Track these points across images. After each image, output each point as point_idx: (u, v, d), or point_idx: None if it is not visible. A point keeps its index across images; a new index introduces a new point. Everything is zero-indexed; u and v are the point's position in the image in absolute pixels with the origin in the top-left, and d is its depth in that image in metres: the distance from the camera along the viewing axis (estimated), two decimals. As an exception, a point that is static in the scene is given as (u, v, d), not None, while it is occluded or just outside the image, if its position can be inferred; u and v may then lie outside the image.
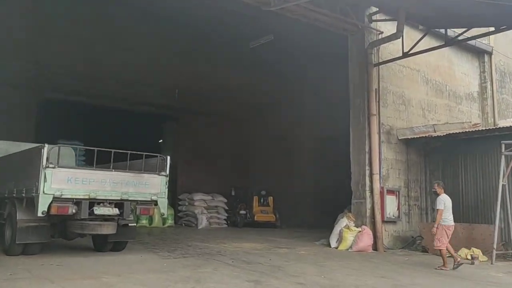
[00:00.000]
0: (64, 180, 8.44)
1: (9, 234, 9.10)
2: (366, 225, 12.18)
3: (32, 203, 8.48)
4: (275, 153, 21.47)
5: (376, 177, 12.38)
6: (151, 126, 22.80)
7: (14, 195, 9.21)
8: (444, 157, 13.31)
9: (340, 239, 12.24)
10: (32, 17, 15.72)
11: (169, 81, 19.17)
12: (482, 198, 12.24)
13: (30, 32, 15.97)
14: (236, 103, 20.96)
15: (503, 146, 10.83)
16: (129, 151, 9.36)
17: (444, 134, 12.82)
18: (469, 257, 10.76)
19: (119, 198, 9.05)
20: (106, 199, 8.92)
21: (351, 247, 11.91)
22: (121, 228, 9.27)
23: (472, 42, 14.61)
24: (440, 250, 9.58)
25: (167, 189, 9.71)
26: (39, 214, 8.18)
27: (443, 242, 9.51)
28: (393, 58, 13.04)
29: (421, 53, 12.74)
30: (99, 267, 8.09)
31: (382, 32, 13.05)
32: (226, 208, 19.81)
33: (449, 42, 12.68)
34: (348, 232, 12.12)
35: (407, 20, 12.13)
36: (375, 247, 11.97)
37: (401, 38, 12.24)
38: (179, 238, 13.82)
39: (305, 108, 21.52)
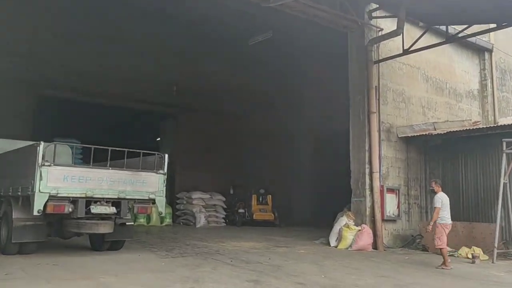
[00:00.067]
0: (60, 179, 8.32)
1: (5, 233, 8.98)
2: (365, 223, 12.10)
3: (28, 202, 8.36)
4: (274, 151, 21.37)
5: (376, 176, 12.29)
6: (149, 124, 22.71)
7: (10, 193, 9.10)
8: (444, 155, 13.23)
9: (339, 238, 12.15)
10: (28, 14, 15.58)
11: (167, 79, 19.05)
12: (482, 197, 12.16)
13: (26, 28, 15.84)
14: (235, 101, 20.84)
15: (504, 144, 10.73)
16: (126, 149, 9.23)
17: (445, 132, 12.72)
18: (469, 256, 10.70)
19: (116, 196, 8.94)
20: (103, 198, 8.79)
21: (350, 246, 11.83)
22: (118, 227, 9.17)
23: (472, 39, 14.52)
24: (440, 249, 9.51)
25: (165, 187, 9.60)
26: (35, 213, 8.06)
27: (443, 241, 9.47)
28: (393, 55, 12.93)
29: (421, 50, 12.64)
30: (96, 267, 7.98)
31: (382, 29, 12.96)
32: (225, 206, 19.70)
33: (450, 39, 12.57)
34: (347, 231, 12.02)
35: (408, 16, 12.03)
36: (375, 246, 11.89)
37: (401, 35, 12.14)
38: (177, 237, 13.71)
39: (304, 106, 21.42)
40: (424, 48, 12.65)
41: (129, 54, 17.73)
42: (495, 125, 12.78)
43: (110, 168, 9.08)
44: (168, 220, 18.20)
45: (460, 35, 12.64)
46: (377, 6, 12.79)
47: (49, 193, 8.17)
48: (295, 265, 8.97)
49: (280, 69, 19.33)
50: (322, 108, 19.70)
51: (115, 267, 8.07)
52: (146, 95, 19.07)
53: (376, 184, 12.26)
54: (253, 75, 19.62)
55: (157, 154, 9.85)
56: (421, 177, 13.57)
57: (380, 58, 12.94)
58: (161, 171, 9.53)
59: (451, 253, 10.91)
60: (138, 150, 9.54)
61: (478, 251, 10.78)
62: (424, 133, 13.20)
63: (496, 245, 10.34)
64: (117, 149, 9.09)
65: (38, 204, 8.05)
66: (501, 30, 13.20)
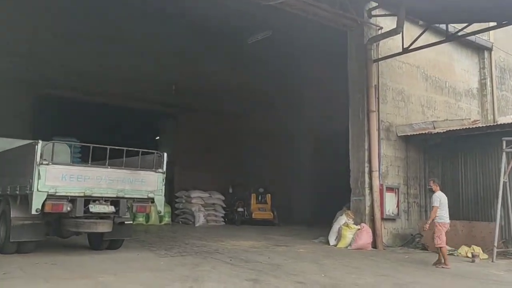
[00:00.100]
0: (58, 177, 8.28)
1: (3, 232, 8.93)
2: (365, 222, 12.08)
3: (26, 201, 8.32)
4: (273, 150, 21.35)
5: (375, 174, 12.27)
6: (148, 123, 22.66)
7: (8, 192, 9.05)
8: (443, 154, 13.21)
9: (339, 237, 12.13)
10: (28, 14, 15.52)
11: (166, 78, 19.01)
12: (482, 195, 12.14)
13: (26, 28, 15.78)
14: (234, 100, 20.80)
15: (504, 143, 10.71)
16: (125, 148, 9.19)
17: (445, 130, 12.70)
18: (469, 255, 10.69)
19: (115, 195, 8.88)
20: (102, 197, 8.74)
21: (350, 245, 11.81)
22: (117, 226, 9.12)
23: (472, 38, 14.50)
24: (440, 248, 9.50)
25: (164, 186, 9.56)
26: (33, 212, 8.02)
27: (443, 240, 9.47)
28: (393, 54, 12.90)
29: (421, 48, 12.61)
30: (94, 266, 7.95)
31: (381, 28, 12.93)
32: (224, 205, 19.67)
33: (450, 37, 12.54)
34: (347, 229, 12.00)
35: (407, 15, 11.99)
36: (374, 245, 11.87)
37: (401, 33, 12.10)
38: (176, 236, 13.68)
39: (303, 105, 21.39)
40: (424, 47, 12.62)
41: (128, 54, 17.68)
42: (494, 124, 12.77)
43: (109, 167, 9.03)
44: (167, 219, 18.16)
45: (460, 33, 12.62)
46: (377, 4, 12.76)
47: (48, 192, 8.12)
48: (294, 264, 8.94)
49: (279, 68, 19.27)
50: (321, 107, 19.67)
51: (113, 266, 8.03)
52: (145, 95, 19.03)
53: (376, 183, 12.23)
54: (252, 75, 19.57)
55: (156, 153, 9.80)
56: (420, 176, 13.55)
57: (380, 56, 12.92)
58: (160, 170, 9.48)
59: (450, 252, 10.90)
60: (137, 149, 9.51)
61: (477, 250, 10.77)
62: (423, 132, 13.18)
63: (495, 244, 10.32)
64: (116, 148, 9.05)
65: (36, 203, 8.01)
66: (500, 29, 13.19)
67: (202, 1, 13.75)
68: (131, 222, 10.03)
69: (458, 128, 12.81)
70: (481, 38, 15.76)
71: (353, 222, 12.20)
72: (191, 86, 19.48)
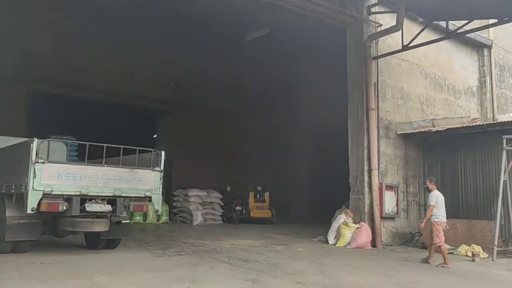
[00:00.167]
0: (54, 176, 8.15)
1: (-2, 232, 8.79)
2: (364, 221, 11.99)
3: (21, 200, 8.19)
4: (271, 148, 21.26)
5: (374, 173, 12.18)
6: (145, 121, 22.48)
7: (4, 191, 8.91)
8: (443, 152, 13.13)
9: (338, 236, 12.04)
10: (23, 9, 15.38)
11: (164, 75, 18.88)
12: (481, 194, 12.06)
13: (21, 23, 15.63)
14: (232, 97, 20.70)
15: (504, 141, 10.62)
16: (122, 146, 9.06)
17: (444, 128, 12.61)
18: (469, 254, 10.62)
19: (111, 194, 8.76)
20: (98, 196, 8.61)
21: (349, 243, 11.72)
22: (114, 225, 8.99)
23: (471, 35, 14.42)
24: (439, 247, 9.46)
25: (161, 185, 9.43)
26: (29, 211, 7.90)
27: (441, 239, 9.45)
28: (393, 51, 12.79)
29: (420, 46, 12.50)
30: (91, 266, 7.84)
31: (381, 25, 12.81)
32: (222, 204, 19.55)
33: (450, 34, 12.42)
34: (346, 228, 11.92)
35: (407, 12, 11.89)
36: (373, 243, 11.78)
37: (400, 31, 12.00)
38: (174, 235, 13.57)
39: (302, 103, 21.32)
40: (424, 44, 12.51)
41: (125, 51, 17.58)
42: (495, 122, 12.68)
43: (106, 165, 8.91)
44: (164, 218, 18.04)
45: (459, 31, 12.52)
46: (376, 1, 12.67)
47: (43, 190, 8.00)
48: (293, 264, 8.84)
49: (278, 65, 19.21)
50: (320, 105, 19.60)
51: (110, 266, 7.93)
52: (143, 92, 18.87)
53: (375, 182, 12.15)
54: (250, 72, 19.50)
55: (154, 151, 9.68)
56: (419, 174, 13.47)
57: (379, 54, 12.81)
58: (157, 168, 9.36)
59: (450, 251, 10.83)
60: (134, 147, 9.39)
61: (477, 249, 10.70)
62: (423, 130, 13.10)
63: (496, 243, 10.25)
64: (113, 146, 8.92)
65: (31, 202, 7.89)
66: (500, 26, 13.13)
67: (200, -2, 13.67)
68: (128, 221, 9.93)
69: (457, 126, 12.72)
70: (481, 36, 15.68)
71: (352, 221, 12.11)
72: (189, 84, 19.36)
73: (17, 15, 15.36)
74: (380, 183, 12.32)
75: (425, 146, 13.48)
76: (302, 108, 21.29)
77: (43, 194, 8.00)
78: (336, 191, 14.39)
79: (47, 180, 8.06)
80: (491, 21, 12.52)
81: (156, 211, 9.84)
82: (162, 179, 9.44)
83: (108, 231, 8.85)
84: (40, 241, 9.06)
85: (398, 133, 13.09)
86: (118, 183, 8.85)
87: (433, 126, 13.51)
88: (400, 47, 12.47)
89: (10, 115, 15.52)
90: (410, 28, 12.84)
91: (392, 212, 12.66)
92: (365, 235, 11.70)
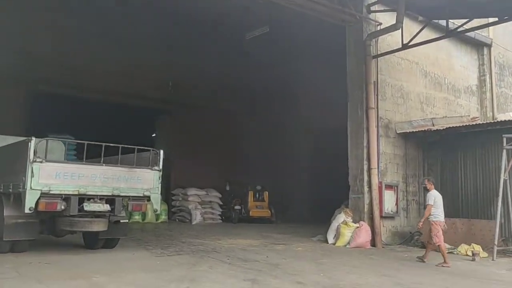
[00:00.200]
0: (52, 175, 8.09)
1: (-4, 231, 8.74)
2: (364, 220, 11.95)
3: (19, 199, 8.13)
4: (270, 147, 21.20)
5: (374, 172, 12.14)
6: (144, 120, 22.43)
7: (1, 190, 8.84)
8: (443, 152, 13.10)
9: (337, 235, 12.00)
10: (23, 9, 15.31)
11: (163, 75, 18.82)
12: (481, 193, 12.03)
13: (20, 23, 15.56)
14: (231, 96, 20.66)
15: (504, 140, 10.58)
16: (120, 145, 9.01)
17: (444, 127, 12.57)
18: (469, 253, 10.60)
19: (110, 193, 8.70)
20: (97, 195, 8.55)
21: (348, 243, 11.68)
22: (112, 225, 8.94)
23: (471, 34, 14.37)
24: (439, 246, 9.45)
25: (160, 184, 9.38)
26: (26, 211, 7.84)
27: (440, 238, 9.45)
28: (392, 50, 12.74)
29: (420, 44, 12.45)
30: (89, 266, 7.79)
31: (380, 24, 12.77)
32: (221, 203, 19.51)
33: (450, 33, 12.36)
34: (345, 228, 11.88)
35: (407, 10, 11.85)
36: (373, 243, 11.75)
37: (400, 29, 11.95)
38: (173, 234, 13.52)
39: (301, 102, 21.25)
40: (424, 43, 12.46)
41: (124, 50, 17.50)
42: (495, 121, 12.63)
43: (104, 164, 8.84)
44: (163, 217, 18.01)
45: (459, 29, 12.46)
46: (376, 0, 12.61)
47: (41, 190, 7.94)
48: (293, 263, 8.79)
49: (277, 64, 19.13)
50: (320, 104, 19.53)
51: (108, 266, 7.88)
52: (141, 91, 18.81)
53: (375, 181, 12.11)
54: (250, 71, 19.43)
55: (152, 150, 9.63)
56: (419, 174, 13.44)
57: (379, 53, 12.76)
58: (156, 168, 9.31)
59: (450, 251, 10.81)
60: (132, 146, 9.34)
61: (477, 248, 10.68)
62: (422, 129, 13.06)
63: (496, 242, 10.22)
64: (111, 145, 8.86)
65: (29, 202, 7.83)
66: (499, 25, 13.07)
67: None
68: (127, 220, 9.87)
69: (457, 125, 12.68)
70: (481, 34, 15.64)
71: (351, 220, 12.07)
72: (188, 83, 19.31)
73: (17, 15, 15.29)
74: (380, 182, 12.29)
75: (425, 145, 13.46)
76: (302, 107, 21.23)
77: (41, 193, 7.94)
78: (336, 190, 14.34)
79: (45, 180, 8.00)
80: (491, 19, 12.46)
81: (155, 211, 9.77)
82: (161, 178, 9.39)
83: (106, 230, 8.79)
84: (38, 240, 9.00)
85: (398, 132, 13.05)
86: (117, 183, 8.79)
87: (433, 125, 13.46)
88: (400, 46, 12.42)
89: (10, 114, 15.47)
90: (410, 27, 12.80)
91: (391, 211, 12.62)
92: (365, 235, 11.66)
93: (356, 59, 12.75)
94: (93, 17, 16.21)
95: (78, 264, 7.89)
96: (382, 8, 12.78)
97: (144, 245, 10.58)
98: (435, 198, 9.55)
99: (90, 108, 20.83)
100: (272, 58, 18.27)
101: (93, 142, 8.78)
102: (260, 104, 21.12)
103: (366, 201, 12.10)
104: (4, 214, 8.42)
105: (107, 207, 8.66)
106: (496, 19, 11.72)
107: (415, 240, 12.30)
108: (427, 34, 12.82)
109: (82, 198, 8.43)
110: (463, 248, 10.95)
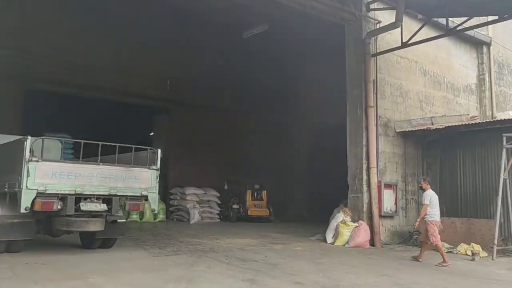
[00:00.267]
0: (48, 175, 8.00)
1: (-9, 231, 8.63)
2: (363, 220, 11.89)
3: (15, 199, 8.05)
4: (269, 146, 21.12)
5: (373, 171, 12.08)
6: (142, 119, 22.35)
7: (-3, 190, 8.76)
8: (442, 150, 13.04)
9: (336, 235, 11.94)
10: (19, 5, 15.21)
11: (160, 73, 18.72)
12: (480, 192, 11.99)
13: (17, 20, 15.45)
14: (230, 95, 20.57)
15: (504, 139, 10.53)
16: (117, 144, 8.92)
17: (444, 126, 12.50)
18: (468, 252, 10.56)
19: (107, 193, 8.63)
20: (93, 194, 8.48)
21: (347, 242, 11.62)
22: (109, 225, 8.85)
23: (470, 32, 14.29)
24: (436, 245, 9.43)
25: (158, 183, 9.31)
26: (22, 211, 7.75)
27: (437, 238, 9.45)
28: (392, 48, 12.67)
29: (420, 43, 12.37)
30: (86, 266, 7.70)
31: (380, 22, 12.71)
32: (219, 202, 19.41)
33: (449, 32, 12.29)
34: (344, 227, 11.81)
35: (406, 9, 11.78)
36: (372, 242, 11.69)
37: (399, 27, 11.87)
38: (171, 233, 13.44)
39: (300, 100, 21.20)
40: (423, 41, 12.38)
41: (121, 48, 17.41)
42: (494, 120, 12.57)
43: (101, 163, 8.76)
44: (161, 216, 17.91)
45: (459, 28, 12.39)
46: (375, -3, 12.55)
47: (37, 189, 7.85)
48: (291, 263, 8.73)
49: (275, 62, 19.07)
50: (319, 103, 19.47)
51: (105, 266, 7.80)
52: (139, 90, 18.69)
53: (374, 180, 12.05)
54: (248, 70, 19.36)
55: (150, 149, 9.54)
56: (418, 173, 13.38)
57: (378, 51, 12.69)
58: (153, 167, 9.23)
59: (449, 250, 10.77)
60: (130, 145, 9.25)
61: (477, 248, 10.63)
62: (422, 128, 13.00)
63: (495, 242, 10.17)
64: (108, 144, 8.78)
65: (25, 201, 7.75)
66: (499, 24, 12.99)
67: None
68: (124, 220, 9.76)
69: (457, 124, 12.63)
70: (480, 33, 15.58)
71: (350, 220, 12.01)
72: (186, 81, 19.21)
73: (14, 13, 15.18)
74: (379, 182, 12.23)
75: (424, 144, 13.40)
76: (301, 105, 21.17)
77: (37, 193, 7.86)
78: (335, 189, 14.28)
79: (41, 179, 7.92)
80: (491, 18, 12.39)
81: (153, 210, 9.70)
82: (158, 177, 9.31)
83: (103, 230, 8.70)
84: (34, 240, 8.90)
85: (397, 131, 12.99)
86: (114, 182, 8.72)
87: (432, 124, 13.41)
88: (399, 44, 12.34)
89: (7, 113, 15.36)
90: (409, 25, 12.72)
91: (390, 210, 12.57)
92: (364, 234, 11.60)
93: (355, 57, 12.68)
94: (91, 15, 16.12)
95: (75, 265, 7.81)
96: (382, 6, 12.72)
97: (142, 245, 10.50)
98: (431, 197, 9.58)
99: (88, 107, 20.74)
100: (271, 56, 18.22)
101: (89, 141, 8.69)
102: (259, 102, 21.02)
103: (365, 200, 12.04)
104: (0, 214, 8.32)
105: (104, 206, 8.59)
106: (496, 17, 11.65)
107: (414, 239, 12.25)
108: (426, 32, 12.73)
109: (79, 198, 8.35)
110: (463, 247, 10.90)
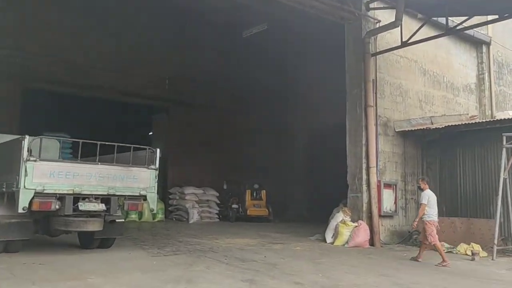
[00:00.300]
0: (46, 174, 7.96)
1: (-11, 231, 8.59)
2: (362, 219, 11.86)
3: (13, 199, 8.00)
4: (269, 146, 21.10)
5: (373, 171, 12.05)
6: (141, 118, 22.33)
7: (-5, 189, 8.72)
8: (441, 150, 13.02)
9: (336, 234, 11.90)
10: (19, 5, 15.17)
11: (160, 72, 18.69)
12: (480, 192, 11.96)
13: (17, 20, 15.41)
14: (229, 95, 20.53)
15: (504, 138, 10.50)
16: (116, 143, 8.88)
17: (443, 126, 12.48)
18: (468, 252, 10.53)
19: (105, 193, 8.58)
20: (92, 194, 8.43)
21: (347, 242, 11.58)
22: (108, 225, 8.81)
23: (470, 32, 14.28)
24: (435, 245, 9.42)
25: (156, 183, 9.27)
26: (20, 210, 7.71)
27: (435, 237, 9.43)
28: (391, 48, 12.65)
29: (419, 42, 12.36)
30: (84, 266, 7.66)
31: (379, 21, 12.67)
32: (218, 202, 19.38)
33: (449, 31, 12.27)
34: (344, 227, 11.78)
35: (406, 8, 11.75)
36: (371, 242, 11.66)
37: (399, 27, 11.85)
38: (170, 233, 13.40)
39: (299, 100, 21.17)
40: (423, 40, 12.36)
41: (120, 47, 17.37)
42: (494, 119, 12.55)
43: (99, 163, 8.72)
44: (160, 216, 17.88)
45: (459, 27, 12.36)
46: (375, -4, 12.52)
47: (35, 189, 7.81)
48: (291, 263, 8.69)
49: (275, 62, 19.04)
50: (318, 102, 19.44)
51: (104, 266, 7.76)
52: (138, 89, 18.66)
53: (373, 179, 12.02)
54: (247, 69, 19.32)
55: (149, 148, 9.50)
56: (418, 172, 13.35)
57: (378, 50, 12.66)
58: (152, 166, 9.18)
59: (449, 250, 10.74)
60: (128, 145, 9.21)
61: (477, 247, 10.60)
62: (421, 127, 12.97)
63: (495, 241, 10.15)
64: (107, 143, 8.74)
65: (23, 201, 7.70)
66: (498, 23, 12.98)
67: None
68: (123, 220, 9.74)
69: (457, 124, 12.60)
70: (480, 32, 15.56)
71: (350, 219, 11.98)
72: (185, 81, 19.18)
73: (14, 13, 15.15)
74: (378, 181, 12.21)
75: (424, 144, 13.38)
76: (301, 105, 21.13)
77: (35, 193, 7.82)
78: (335, 189, 14.24)
79: (39, 179, 7.88)
80: (490, 17, 12.37)
81: (152, 210, 9.67)
82: (157, 177, 9.27)
83: (102, 230, 8.66)
84: (32, 240, 8.87)
85: (397, 130, 12.97)
86: (112, 182, 8.67)
87: (432, 123, 13.39)
88: (399, 44, 12.32)
89: (7, 112, 15.34)
90: (409, 25, 12.69)
91: (390, 210, 12.54)
92: (363, 234, 11.57)
93: (355, 57, 12.65)
94: (89, 14, 16.08)
95: (73, 265, 7.76)
96: (381, 6, 12.69)
97: (141, 245, 10.46)
98: (429, 197, 9.57)
99: (87, 106, 20.71)
100: (271, 56, 18.18)
101: (87, 141, 8.65)
102: (259, 102, 20.99)
103: (365, 200, 12.02)
104: (-2, 214, 8.30)
105: (102, 206, 8.53)
106: (496, 16, 11.63)
107: (413, 239, 12.22)
108: (426, 31, 12.71)
109: (77, 198, 8.30)
110: (462, 247, 10.88)
